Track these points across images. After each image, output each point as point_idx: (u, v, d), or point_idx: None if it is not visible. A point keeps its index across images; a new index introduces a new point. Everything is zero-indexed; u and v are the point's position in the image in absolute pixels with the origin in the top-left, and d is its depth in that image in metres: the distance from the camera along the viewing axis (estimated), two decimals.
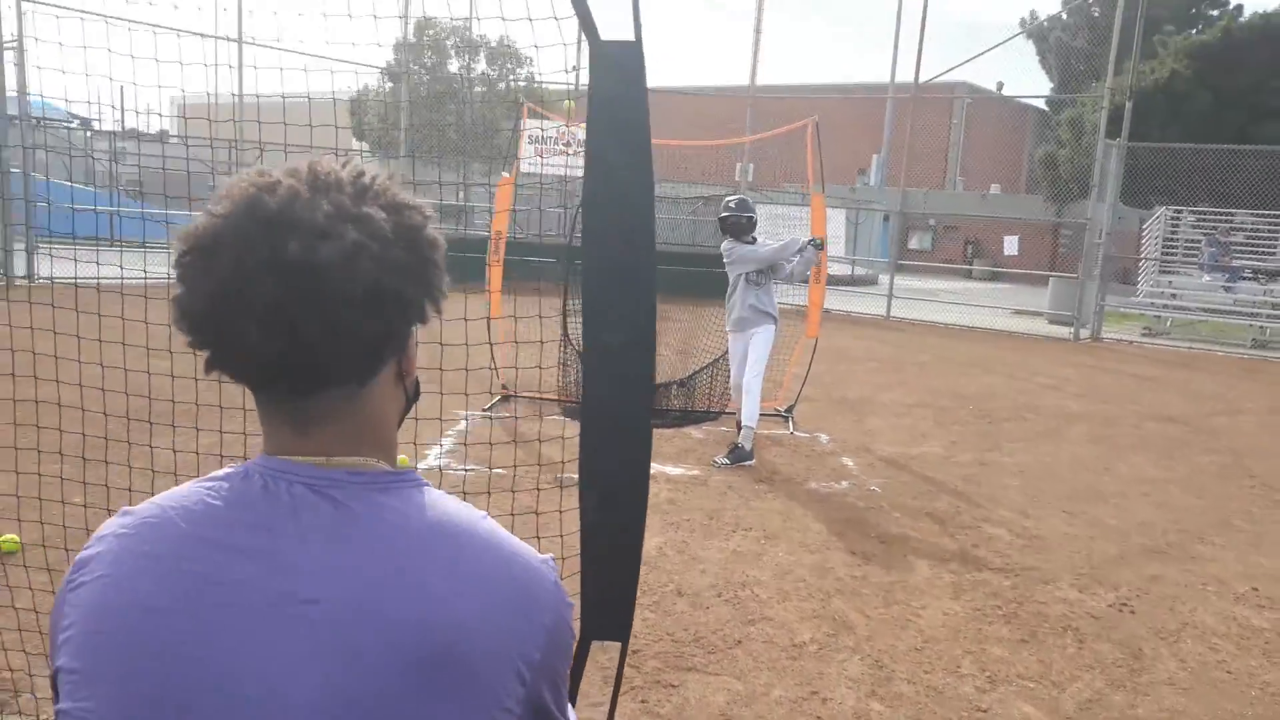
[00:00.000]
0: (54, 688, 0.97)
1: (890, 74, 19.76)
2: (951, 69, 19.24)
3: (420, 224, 1.02)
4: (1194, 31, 30.08)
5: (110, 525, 1.00)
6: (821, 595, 4.80)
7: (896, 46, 19.28)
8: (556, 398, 8.25)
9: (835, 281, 8.43)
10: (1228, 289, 18.60)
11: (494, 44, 28.00)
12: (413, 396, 1.12)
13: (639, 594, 2.31)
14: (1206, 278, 19.36)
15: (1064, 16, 32.71)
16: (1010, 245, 21.38)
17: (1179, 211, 20.98)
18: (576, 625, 1.13)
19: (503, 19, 3.62)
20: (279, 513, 0.96)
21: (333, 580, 0.93)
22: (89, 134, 16.30)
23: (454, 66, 28.24)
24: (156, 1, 4.09)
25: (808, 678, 3.95)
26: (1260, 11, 28.25)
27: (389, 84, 26.26)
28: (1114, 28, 16.07)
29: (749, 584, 4.87)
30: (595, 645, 2.19)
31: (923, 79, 18.87)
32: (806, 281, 8.35)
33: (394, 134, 22.44)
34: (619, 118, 2.06)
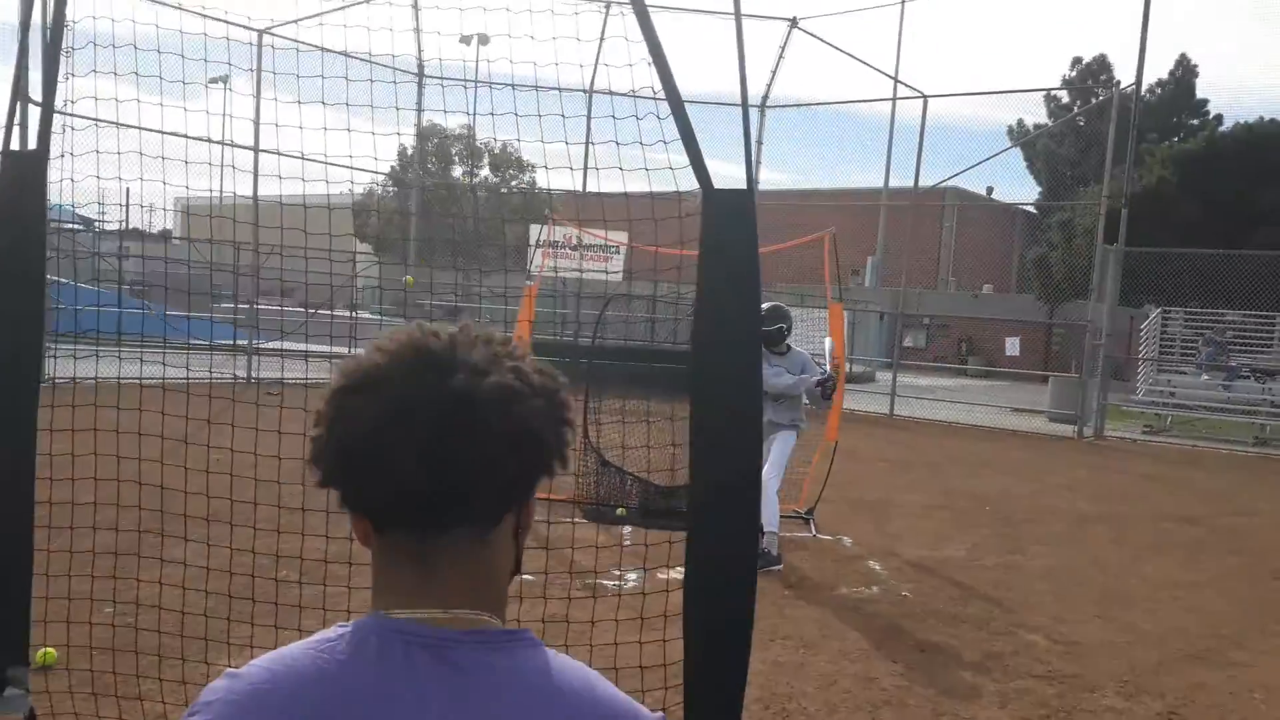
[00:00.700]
0: None
1: (884, 181, 20.29)
2: (948, 179, 19.74)
3: (558, 386, 1.08)
4: (1176, 139, 31.01)
5: (218, 690, 0.98)
6: (870, 708, 4.73)
7: (890, 156, 19.85)
8: (574, 499, 8.22)
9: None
10: (1226, 387, 18.76)
11: (497, 151, 28.64)
12: (519, 559, 1.13)
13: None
14: (1205, 376, 19.55)
15: (1050, 125, 33.71)
16: (1012, 346, 21.62)
17: (1171, 311, 21.31)
18: None
19: (519, 140, 3.75)
20: (395, 679, 0.96)
21: None
22: (95, 234, 16.49)
23: (457, 172, 28.82)
24: (166, 105, 4.21)
25: None
26: (1242, 122, 29.19)
27: (393, 188, 26.75)
28: (1109, 137, 16.57)
29: (795, 696, 4.80)
30: None
31: (919, 186, 19.35)
32: None
33: (396, 238, 22.76)
34: (730, 263, 2.13)
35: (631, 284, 15.52)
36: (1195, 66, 35.33)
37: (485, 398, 0.98)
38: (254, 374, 11.51)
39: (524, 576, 5.69)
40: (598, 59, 13.27)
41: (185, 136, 4.05)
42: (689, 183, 2.41)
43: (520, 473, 1.03)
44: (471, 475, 0.98)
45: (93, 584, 3.89)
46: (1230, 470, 14.33)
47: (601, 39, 13.55)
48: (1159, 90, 34.62)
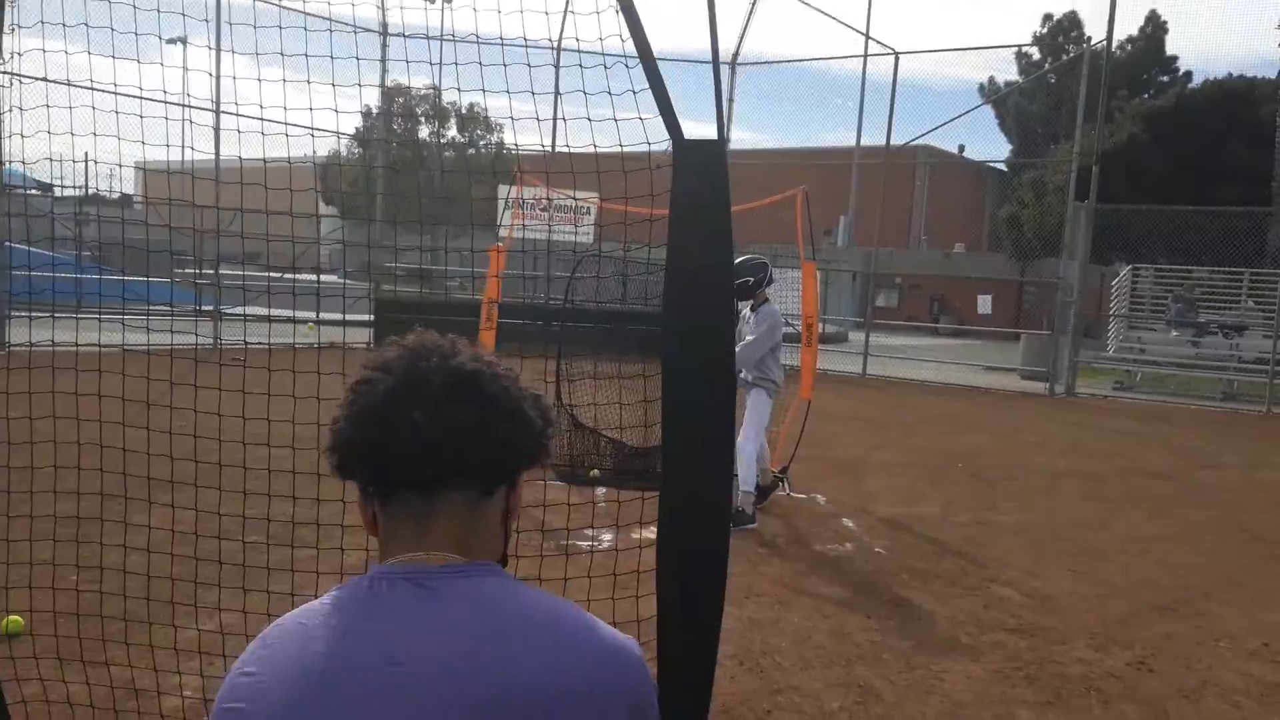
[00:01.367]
0: None
1: (856, 139, 20.18)
2: (919, 137, 19.70)
3: (540, 395, 1.27)
4: (1146, 96, 31.05)
5: (262, 636, 1.17)
6: (844, 662, 4.74)
7: (861, 114, 19.71)
8: (551, 463, 8.17)
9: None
10: (1195, 344, 18.94)
11: (464, 111, 28.27)
12: (505, 546, 1.28)
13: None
14: (1174, 333, 19.72)
15: (1021, 83, 33.67)
16: (984, 304, 21.67)
17: (1140, 268, 21.45)
18: None
19: (483, 91, 3.65)
20: (379, 601, 1.13)
21: (417, 646, 1.07)
22: (51, 198, 16.16)
23: (424, 132, 28.43)
24: (143, 61, 4.07)
25: None
26: (1211, 78, 29.26)
27: (358, 149, 26.38)
28: (1080, 95, 16.54)
29: (769, 652, 4.80)
30: None
31: (891, 144, 19.28)
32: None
33: (362, 200, 22.48)
34: (701, 217, 2.06)
35: (601, 244, 15.40)
36: (1165, 23, 35.29)
37: (486, 372, 1.20)
38: (219, 339, 11.35)
39: None
40: (567, 6, 13.02)
41: (141, 98, 3.89)
42: (660, 136, 2.34)
43: (511, 444, 1.19)
44: (471, 435, 1.15)
45: (54, 549, 3.81)
46: (1199, 426, 14.48)
47: None
48: (1129, 47, 34.60)
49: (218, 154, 15.22)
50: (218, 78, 12.92)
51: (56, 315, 4.74)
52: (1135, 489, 9.36)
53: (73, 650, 3.78)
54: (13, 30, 4.01)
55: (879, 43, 19.20)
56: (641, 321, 8.77)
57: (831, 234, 37.07)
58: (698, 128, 2.12)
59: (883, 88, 19.09)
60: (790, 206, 8.77)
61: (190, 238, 5.83)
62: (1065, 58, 29.20)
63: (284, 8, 8.72)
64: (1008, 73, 34.84)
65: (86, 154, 4.61)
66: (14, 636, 4.11)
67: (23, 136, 4.24)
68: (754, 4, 19.17)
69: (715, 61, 2.23)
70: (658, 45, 2.18)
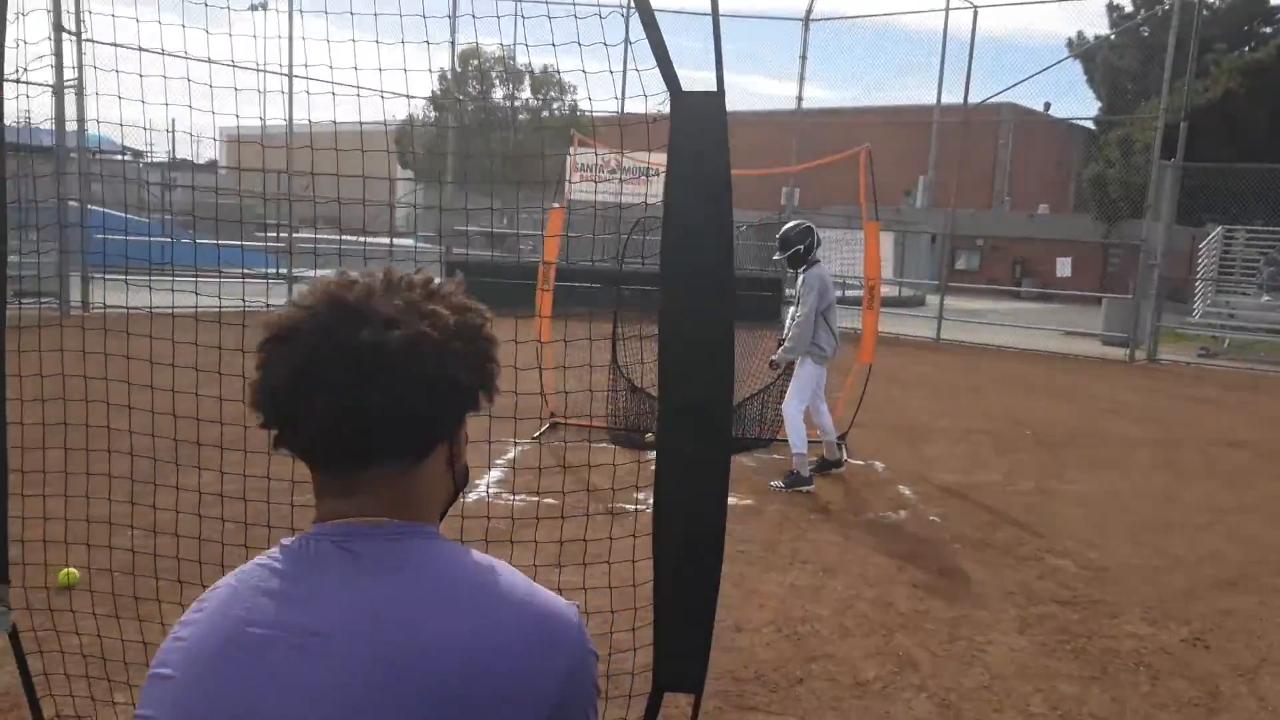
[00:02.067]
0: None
1: (936, 97, 19.62)
2: (1000, 92, 19.09)
3: (480, 323, 1.17)
4: (1247, 49, 29.59)
5: (200, 597, 1.15)
6: (884, 631, 4.69)
7: (942, 71, 19.14)
8: (605, 424, 8.22)
9: (882, 303, 8.28)
10: None
11: (538, 73, 28.27)
12: (460, 484, 1.23)
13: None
14: (1266, 297, 18.91)
15: (1112, 37, 32.37)
16: (1064, 267, 20.98)
17: (1233, 230, 20.56)
18: (602, 681, 1.19)
19: (553, 45, 3.63)
20: (304, 564, 1.10)
21: (340, 614, 1.04)
22: (142, 164, 16.67)
23: (499, 95, 28.53)
24: (212, 31, 4.13)
25: (874, 718, 3.85)
26: None
27: (434, 113, 26.57)
28: (1169, 47, 15.81)
29: (809, 619, 4.78)
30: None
31: (970, 102, 18.73)
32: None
33: (439, 162, 22.67)
34: (699, 169, 2.02)
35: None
36: None
37: (393, 348, 1.08)
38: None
39: (542, 499, 5.72)
40: None
41: (227, 64, 3.96)
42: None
43: (438, 414, 1.13)
44: (383, 421, 1.09)
45: (110, 508, 3.95)
46: None
47: None
48: None
49: (290, 118, 15.48)
50: (290, 39, 13.12)
51: (130, 280, 4.89)
52: (1212, 459, 9.05)
53: (126, 606, 3.92)
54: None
55: None
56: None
57: (911, 194, 36.33)
58: (767, 85, 2.07)
59: (965, 44, 18.54)
60: (858, 166, 8.59)
61: (266, 203, 5.97)
62: (1158, 9, 27.95)
63: None
64: (1099, 26, 33.53)
65: (173, 120, 4.68)
66: (71, 588, 4.28)
67: (116, 98, 4.27)
68: None
69: (715, 13, 2.18)
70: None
